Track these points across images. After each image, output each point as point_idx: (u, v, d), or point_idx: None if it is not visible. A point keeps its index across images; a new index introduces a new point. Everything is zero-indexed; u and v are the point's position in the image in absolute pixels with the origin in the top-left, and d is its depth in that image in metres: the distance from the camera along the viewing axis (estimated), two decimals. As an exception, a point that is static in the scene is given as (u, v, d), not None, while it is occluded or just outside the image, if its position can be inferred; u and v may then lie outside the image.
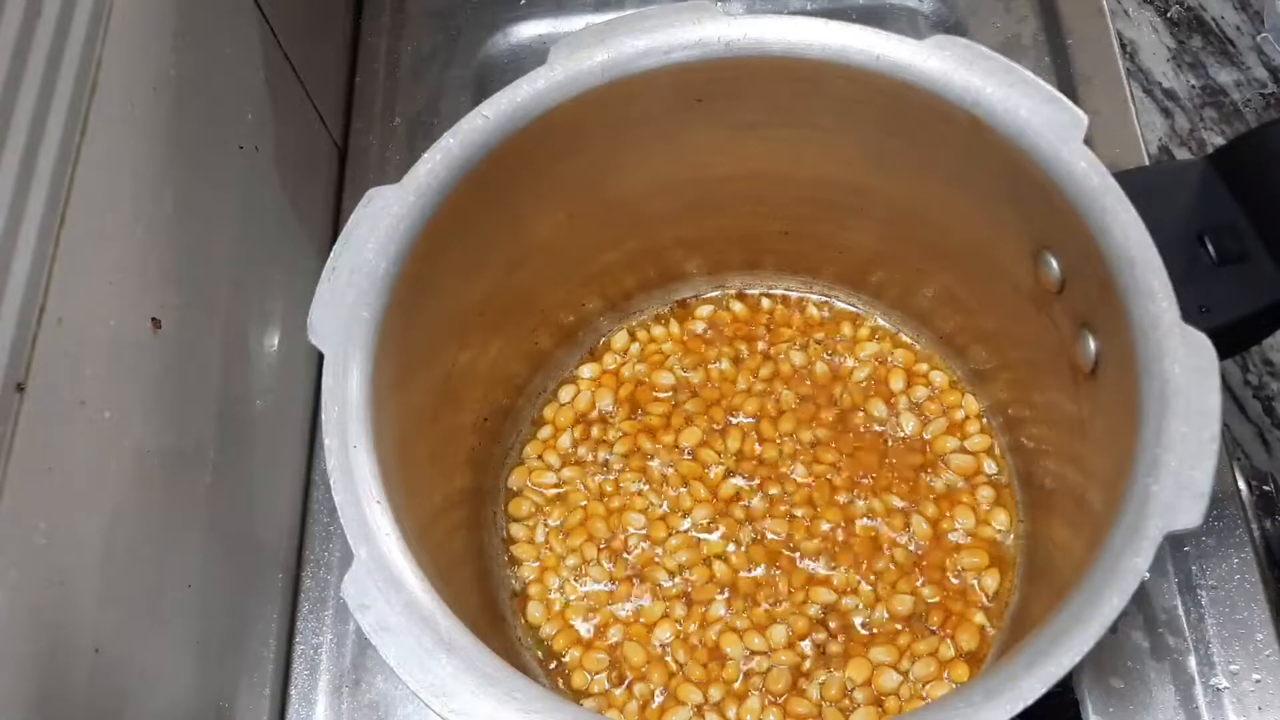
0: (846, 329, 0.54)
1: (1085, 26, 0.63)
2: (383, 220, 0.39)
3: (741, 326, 0.54)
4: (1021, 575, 0.47)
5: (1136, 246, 0.35)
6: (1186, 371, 0.34)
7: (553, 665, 0.47)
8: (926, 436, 0.51)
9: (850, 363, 0.53)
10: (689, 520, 0.49)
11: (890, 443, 0.51)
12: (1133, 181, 0.36)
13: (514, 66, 0.66)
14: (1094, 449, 0.40)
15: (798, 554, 0.48)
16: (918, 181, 0.44)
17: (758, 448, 0.51)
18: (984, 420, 0.51)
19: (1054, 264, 0.40)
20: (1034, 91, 0.38)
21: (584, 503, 0.51)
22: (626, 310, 0.55)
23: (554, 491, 0.51)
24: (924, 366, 0.52)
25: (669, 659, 0.47)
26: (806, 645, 0.47)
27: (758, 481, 0.50)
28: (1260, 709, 0.46)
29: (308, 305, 0.38)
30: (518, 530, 0.50)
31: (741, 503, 0.50)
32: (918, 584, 0.47)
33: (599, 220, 0.48)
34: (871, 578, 0.47)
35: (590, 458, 0.52)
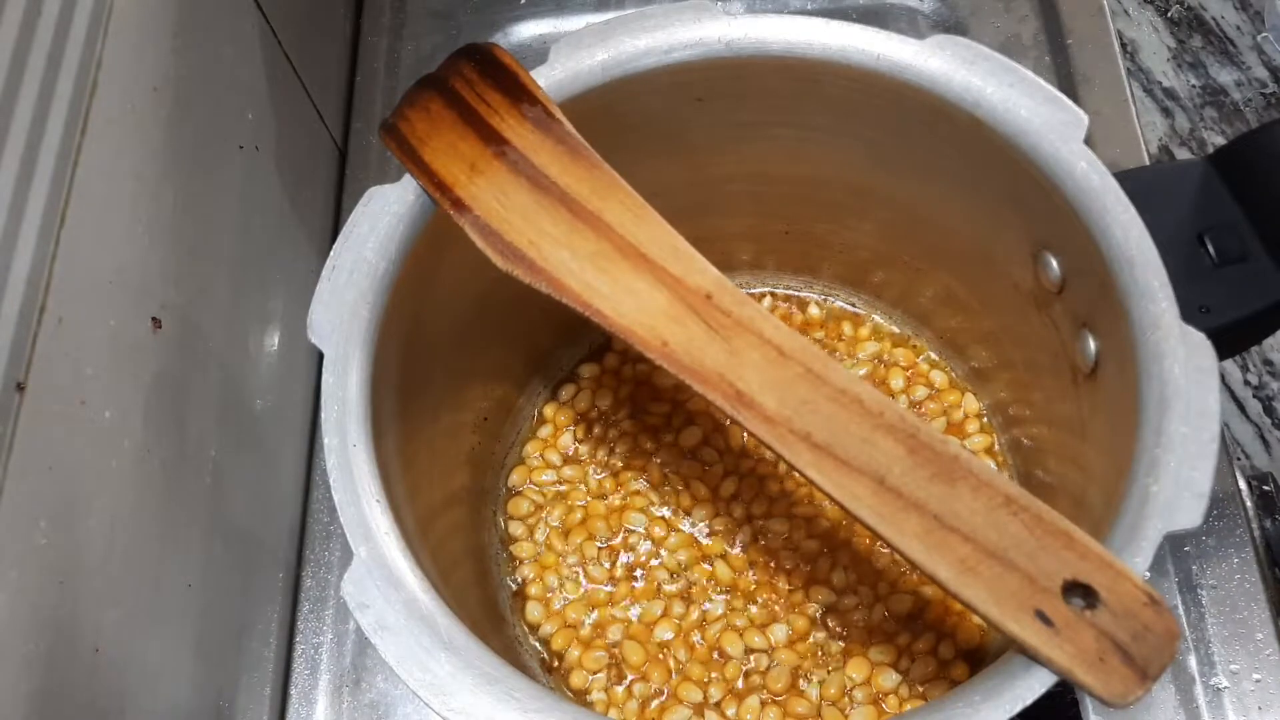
0: (846, 328, 0.54)
1: (1085, 26, 0.63)
2: (383, 220, 0.39)
3: (741, 326, 0.54)
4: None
5: (1136, 246, 0.35)
6: (1186, 371, 0.34)
7: (552, 664, 0.47)
8: (926, 436, 0.50)
9: (850, 362, 0.53)
10: (689, 520, 0.49)
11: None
12: (1133, 181, 0.36)
13: (514, 66, 0.66)
14: (1094, 449, 0.40)
15: (798, 554, 0.48)
16: (918, 181, 0.44)
17: (758, 447, 0.51)
18: (984, 420, 0.51)
19: (1054, 264, 0.40)
20: (1034, 91, 0.38)
21: (584, 502, 0.51)
22: (627, 310, 0.54)
23: (554, 490, 0.51)
24: (924, 366, 0.52)
25: (669, 658, 0.47)
26: (807, 644, 0.47)
27: (758, 481, 0.50)
28: (1260, 709, 0.46)
29: (308, 305, 0.38)
30: (517, 529, 0.50)
31: (741, 502, 0.50)
32: (917, 583, 0.47)
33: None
34: (871, 577, 0.47)
35: (590, 457, 0.52)
